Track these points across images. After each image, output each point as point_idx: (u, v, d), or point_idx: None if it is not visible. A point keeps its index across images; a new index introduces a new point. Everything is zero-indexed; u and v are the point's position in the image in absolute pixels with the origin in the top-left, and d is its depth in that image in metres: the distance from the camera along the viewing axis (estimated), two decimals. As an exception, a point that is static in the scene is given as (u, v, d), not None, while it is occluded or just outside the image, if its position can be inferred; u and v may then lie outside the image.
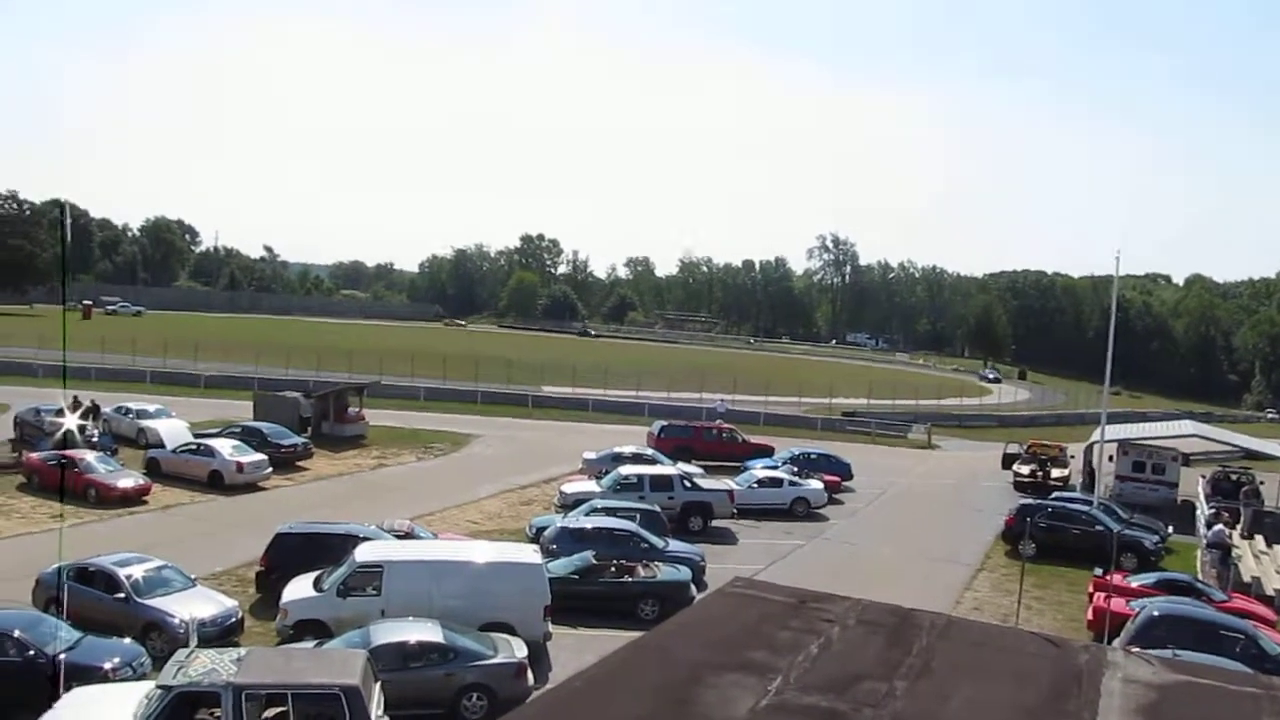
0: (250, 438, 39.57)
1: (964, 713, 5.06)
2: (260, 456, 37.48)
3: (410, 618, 19.49)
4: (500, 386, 68.81)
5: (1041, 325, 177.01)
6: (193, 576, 22.76)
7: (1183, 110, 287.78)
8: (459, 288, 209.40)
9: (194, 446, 37.78)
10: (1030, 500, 37.53)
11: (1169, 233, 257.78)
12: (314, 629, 20.42)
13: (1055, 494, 41.48)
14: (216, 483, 35.81)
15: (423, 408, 60.11)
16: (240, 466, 36.26)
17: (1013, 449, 51.76)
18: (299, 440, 42.07)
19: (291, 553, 24.01)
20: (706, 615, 6.62)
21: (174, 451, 37.75)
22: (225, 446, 37.27)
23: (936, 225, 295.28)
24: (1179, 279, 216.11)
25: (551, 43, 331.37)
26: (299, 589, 21.72)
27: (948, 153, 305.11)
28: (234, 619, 21.50)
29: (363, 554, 21.89)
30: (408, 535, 26.61)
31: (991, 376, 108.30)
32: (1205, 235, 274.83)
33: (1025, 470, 47.98)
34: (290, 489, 37.30)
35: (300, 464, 40.79)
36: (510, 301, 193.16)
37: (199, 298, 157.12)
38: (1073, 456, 50.76)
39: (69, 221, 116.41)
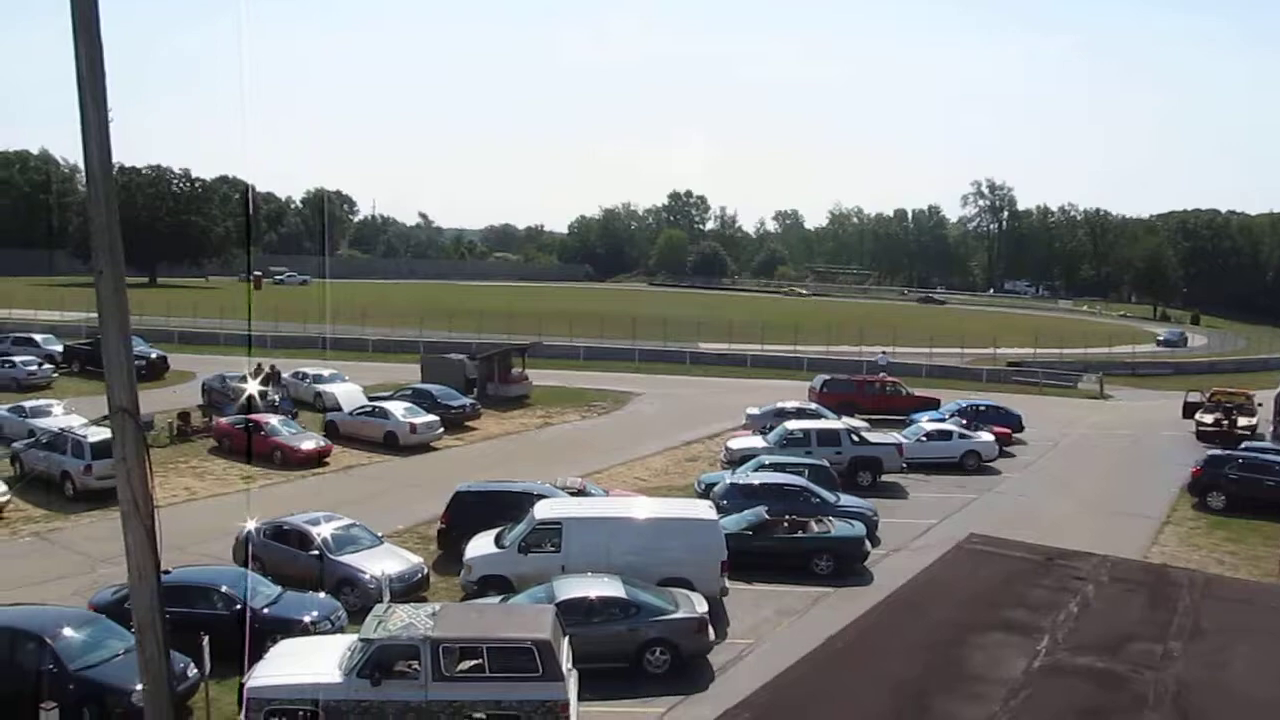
0: (421, 400, 40.74)
1: (1250, 675, 4.76)
2: (432, 418, 38.56)
3: (591, 573, 19.77)
4: (658, 344, 69.16)
5: (1215, 268, 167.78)
6: (379, 534, 23.58)
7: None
8: (608, 247, 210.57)
9: (369, 409, 39.12)
10: (1219, 450, 35.69)
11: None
12: (497, 584, 20.92)
13: (1245, 444, 39.38)
14: (391, 443, 37.02)
15: (583, 367, 60.88)
16: (414, 428, 37.36)
17: (1194, 397, 49.28)
18: (467, 401, 43.11)
19: (470, 510, 24.64)
20: (951, 573, 6.43)
21: (350, 414, 39.14)
22: (398, 409, 38.48)
23: (1100, 167, 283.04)
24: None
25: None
26: (481, 545, 22.26)
27: (1107, 91, 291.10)
28: (420, 575, 22.22)
29: (541, 511, 22.28)
30: (580, 492, 26.98)
31: (1163, 337, 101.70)
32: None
33: (1209, 419, 45.64)
34: (461, 449, 38.28)
35: (469, 424, 41.79)
36: (660, 259, 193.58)
37: (360, 266, 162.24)
38: (1260, 404, 48.10)
39: (252, 198, 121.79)
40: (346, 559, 21.83)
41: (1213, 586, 5.86)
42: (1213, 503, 32.57)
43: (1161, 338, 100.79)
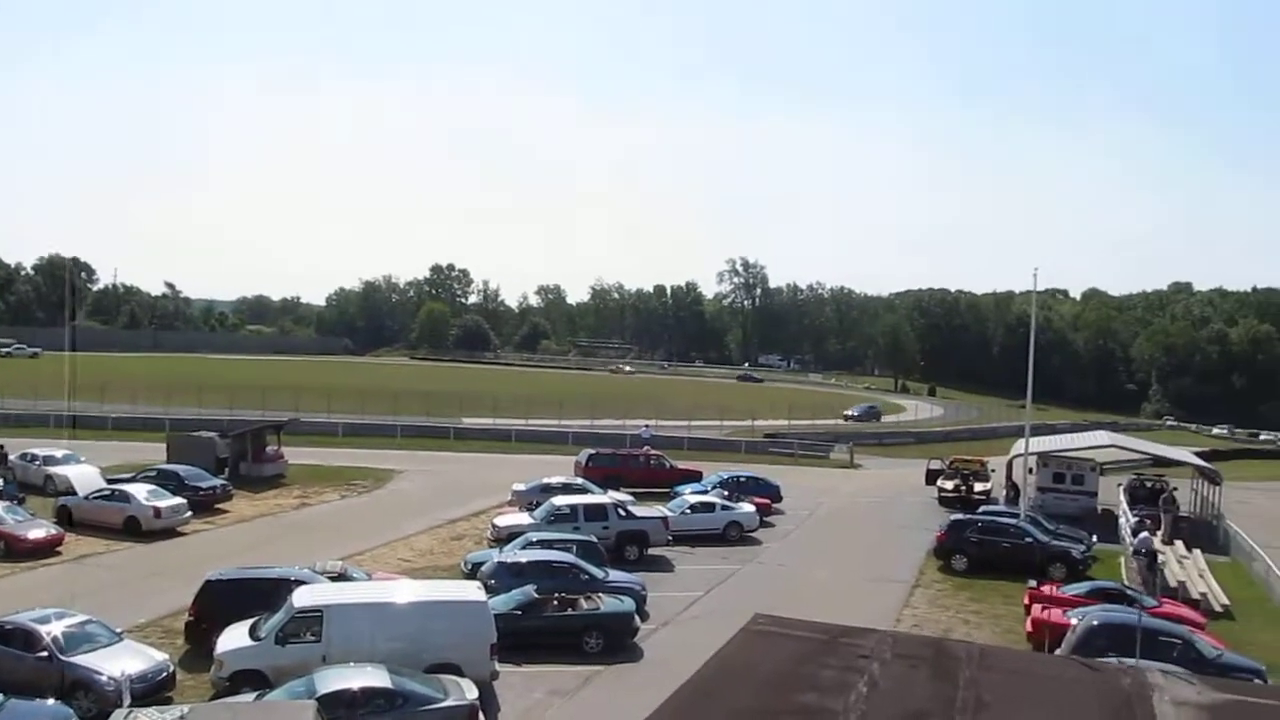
0: (166, 481, 38.25)
1: (1035, 750, 4.83)
2: (178, 500, 36.24)
3: (354, 663, 18.85)
4: (420, 419, 67.85)
5: (949, 343, 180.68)
6: (118, 630, 21.75)
7: (1059, 136, 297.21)
8: (368, 320, 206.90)
9: (107, 492, 36.38)
10: (961, 515, 37.95)
11: (1065, 249, 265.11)
12: (252, 679, 19.61)
13: (983, 508, 42.07)
14: (133, 529, 34.47)
15: (342, 444, 58.96)
16: (158, 511, 34.97)
17: (935, 465, 52.55)
18: (217, 482, 40.83)
19: (222, 600, 23.10)
20: (741, 656, 6.39)
21: (86, 498, 36.27)
22: (141, 491, 35.94)
23: (843, 247, 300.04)
24: (1075, 294, 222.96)
25: (454, 72, 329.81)
26: (234, 638, 20.87)
27: (849, 175, 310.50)
28: (165, 673, 20.54)
29: (301, 599, 21.12)
30: (341, 577, 25.80)
31: (853, 412, 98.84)
32: (1099, 250, 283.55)
33: (949, 485, 48.76)
34: (211, 533, 36.10)
35: (220, 506, 39.54)
36: (421, 333, 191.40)
37: (99, 337, 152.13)
38: (994, 471, 51.65)
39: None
40: (80, 659, 19.94)
41: (988, 658, 5.99)
42: (956, 565, 34.51)
43: (851, 412, 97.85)
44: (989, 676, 5.53)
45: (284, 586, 22.79)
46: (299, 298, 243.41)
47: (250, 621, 21.42)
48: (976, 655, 6.11)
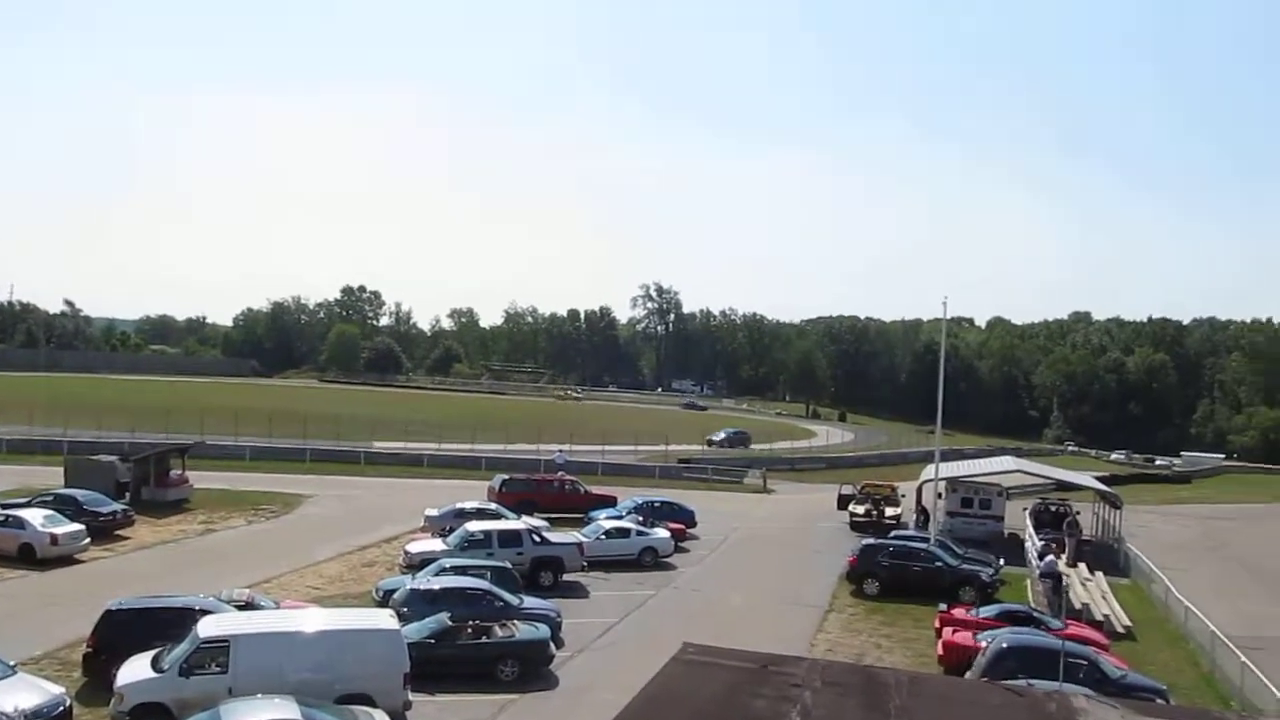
0: (64, 506, 36.94)
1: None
2: (76, 526, 35.01)
3: (262, 695, 18.33)
4: (330, 443, 66.67)
5: (858, 369, 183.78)
6: (11, 662, 20.87)
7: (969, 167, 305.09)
8: (276, 341, 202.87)
9: (1, 518, 35.01)
10: (873, 540, 38.41)
11: (971, 277, 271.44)
12: (155, 713, 19.04)
13: (894, 532, 42.64)
14: (28, 557, 33.22)
15: (250, 468, 57.64)
16: (54, 538, 33.76)
17: (847, 490, 53.23)
18: (118, 507, 39.60)
19: (123, 631, 22.29)
20: (673, 688, 6.32)
21: (-23, 525, 34.88)
22: (36, 517, 34.67)
23: (756, 274, 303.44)
24: (980, 322, 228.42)
25: (371, 90, 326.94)
26: (136, 670, 20.16)
27: (762, 203, 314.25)
28: (62, 708, 19.73)
29: (206, 629, 20.51)
30: (248, 605, 25.14)
31: (719, 436, 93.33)
32: (1003, 280, 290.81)
33: (860, 510, 49.42)
34: (111, 560, 34.93)
35: (121, 533, 38.35)
36: (331, 355, 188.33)
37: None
38: (904, 495, 52.45)
39: None
40: (-30, 694, 19.12)
41: (916, 685, 5.99)
42: (868, 589, 34.90)
43: (715, 437, 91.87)
44: (918, 704, 5.55)
45: (188, 616, 22.13)
46: (205, 318, 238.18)
47: (153, 653, 20.73)
48: (905, 682, 6.13)
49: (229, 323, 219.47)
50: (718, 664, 6.34)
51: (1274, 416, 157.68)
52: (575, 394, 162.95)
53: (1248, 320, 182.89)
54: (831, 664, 6.50)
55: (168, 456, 47.50)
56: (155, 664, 20.24)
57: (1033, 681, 19.43)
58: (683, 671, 6.18)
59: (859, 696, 5.66)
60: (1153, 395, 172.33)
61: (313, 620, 21.99)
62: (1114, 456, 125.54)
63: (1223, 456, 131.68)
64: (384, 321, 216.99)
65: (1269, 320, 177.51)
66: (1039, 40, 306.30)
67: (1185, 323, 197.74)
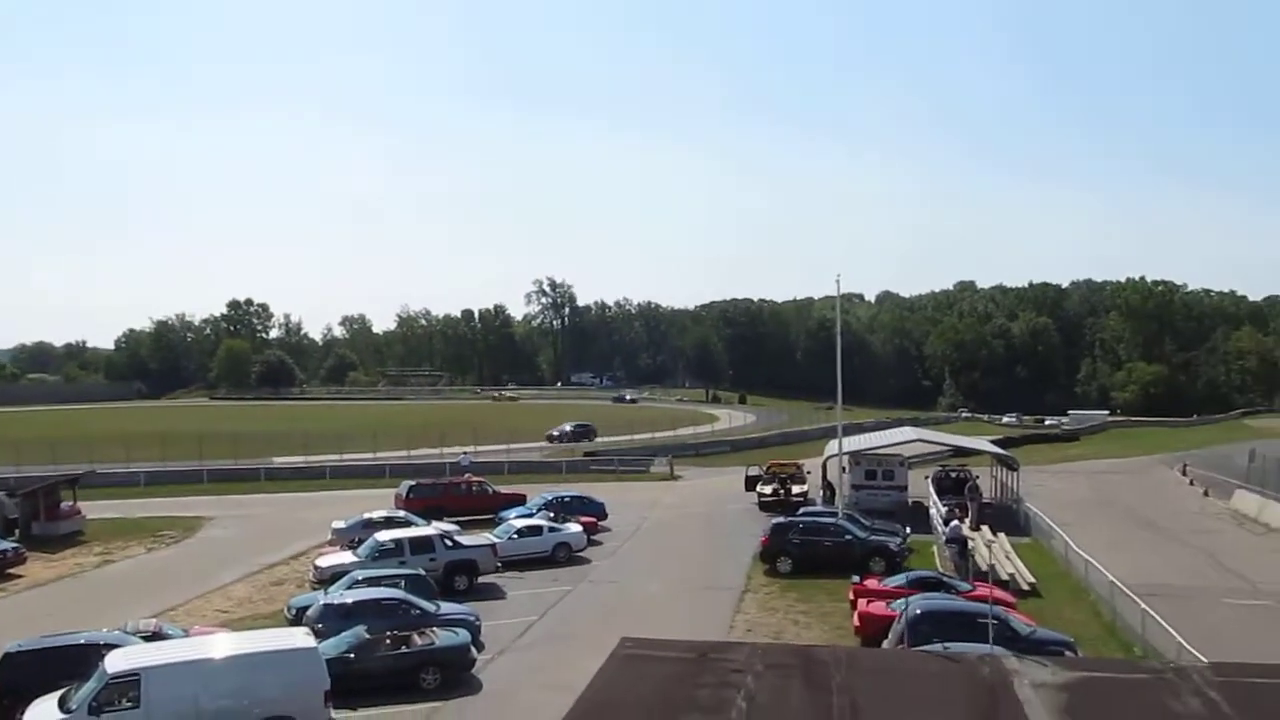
0: (-51, 548, 35.47)
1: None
2: (-36, 569, 33.63)
3: (178, 727, 17.85)
4: (227, 463, 65.02)
5: (755, 351, 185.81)
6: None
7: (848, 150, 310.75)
8: (162, 361, 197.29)
9: (-119, 566, 33.49)
10: (782, 519, 38.89)
11: (859, 254, 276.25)
12: (65, 756, 18.35)
13: (802, 510, 43.23)
14: (-86, 604, 31.81)
15: (145, 494, 55.89)
16: (-58, 583, 32.38)
17: (754, 471, 53.79)
18: (8, 545, 38.01)
19: (25, 673, 21.45)
20: (614, 686, 6.30)
21: None
22: (-80, 562, 33.23)
23: (647, 263, 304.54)
24: (870, 297, 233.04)
25: (241, 105, 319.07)
26: (42, 713, 19.40)
27: (650, 192, 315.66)
28: (-34, 758, 19.03)
29: (113, 664, 19.81)
30: (156, 635, 24.38)
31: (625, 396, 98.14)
32: (889, 254, 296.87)
33: (768, 490, 50.02)
34: (5, 601, 33.53)
35: (12, 571, 36.79)
36: (221, 372, 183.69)
37: None
38: (809, 472, 53.24)
39: None
40: None
41: (854, 660, 6.11)
42: (781, 567, 35.36)
43: (555, 432, 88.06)
44: (859, 680, 5.62)
45: (93, 652, 21.39)
46: (85, 342, 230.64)
47: (59, 693, 19.99)
48: (843, 659, 6.23)
49: (110, 346, 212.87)
50: (657, 656, 6.34)
51: (1152, 371, 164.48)
52: (509, 395, 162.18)
53: (1122, 280, 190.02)
54: (770, 647, 6.58)
55: (57, 488, 45.82)
56: (63, 705, 19.50)
57: (948, 644, 19.94)
58: (623, 667, 6.17)
59: (800, 677, 5.73)
60: (1038, 358, 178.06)
61: (225, 645, 21.40)
62: (1005, 420, 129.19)
63: (1107, 413, 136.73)
64: (274, 334, 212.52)
65: (1142, 279, 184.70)
66: (904, 21, 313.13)
67: (1064, 285, 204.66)
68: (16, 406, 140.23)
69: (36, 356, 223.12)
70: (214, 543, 43.38)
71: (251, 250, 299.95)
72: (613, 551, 40.25)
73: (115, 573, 37.92)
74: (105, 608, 30.05)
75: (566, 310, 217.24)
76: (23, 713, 19.72)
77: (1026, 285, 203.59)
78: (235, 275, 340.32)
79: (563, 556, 37.93)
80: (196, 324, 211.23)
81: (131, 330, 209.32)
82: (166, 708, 18.84)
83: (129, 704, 19.09)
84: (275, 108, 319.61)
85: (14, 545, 38.44)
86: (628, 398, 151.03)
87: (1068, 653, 22.61)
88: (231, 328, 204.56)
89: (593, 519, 43.38)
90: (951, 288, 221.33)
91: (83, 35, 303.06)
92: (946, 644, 20.05)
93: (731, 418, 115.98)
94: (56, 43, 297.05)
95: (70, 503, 45.65)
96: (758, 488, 51.10)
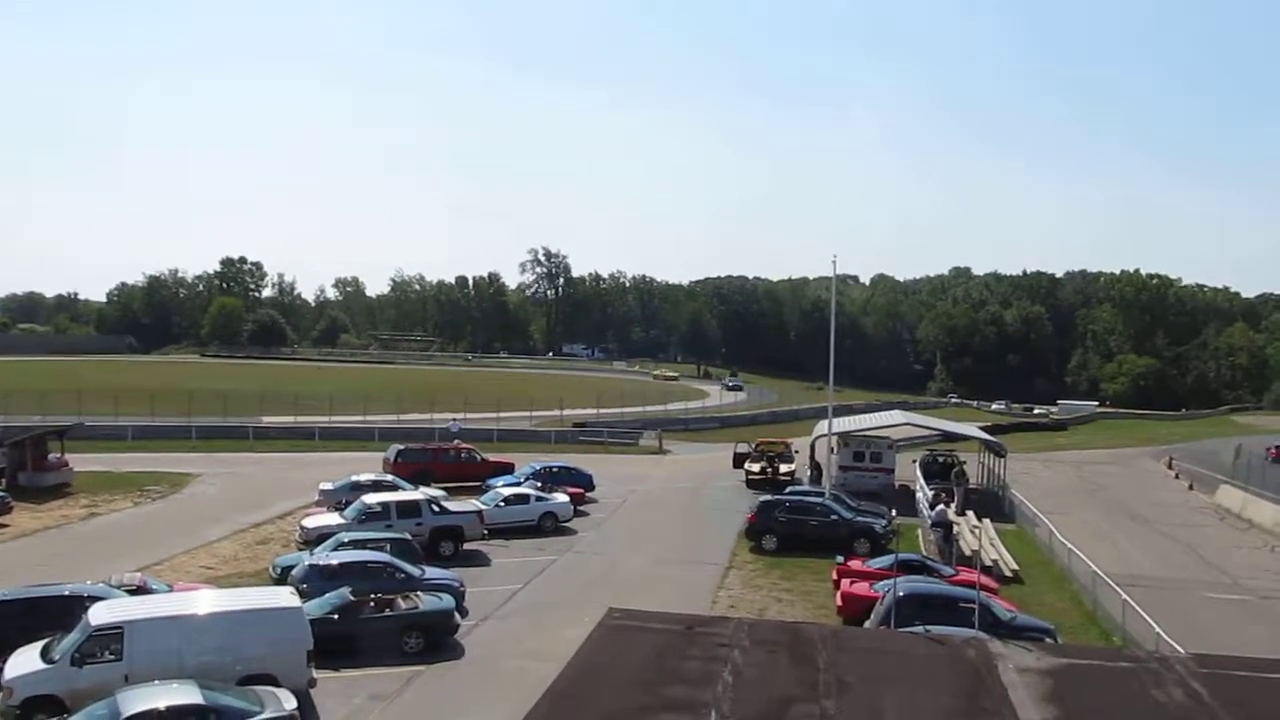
0: (-65, 496, 35.41)
1: (907, 725, 4.98)
2: (-50, 516, 33.57)
3: (160, 681, 17.84)
4: (217, 420, 64.90)
5: (748, 329, 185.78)
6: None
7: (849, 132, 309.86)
8: (154, 316, 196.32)
9: None
10: (770, 496, 39.01)
11: (854, 235, 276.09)
12: (46, 706, 18.37)
13: (790, 488, 43.35)
14: (-101, 550, 31.78)
15: (133, 448, 55.77)
16: (-73, 529, 32.35)
17: (742, 448, 53.87)
18: (-6, 494, 38.04)
19: (8, 623, 21.45)
20: (601, 655, 6.32)
21: None
22: (-94, 508, 33.17)
23: (644, 236, 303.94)
24: (864, 279, 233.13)
25: (239, 62, 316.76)
26: (24, 662, 19.43)
27: (649, 166, 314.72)
28: (-54, 704, 19.04)
29: (97, 616, 19.84)
30: (140, 590, 24.39)
31: (731, 384, 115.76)
32: (885, 237, 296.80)
33: (756, 468, 50.13)
34: (-11, 550, 33.59)
35: (-2, 521, 36.87)
36: (213, 329, 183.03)
37: None
38: (797, 451, 53.36)
39: None
40: None
41: (841, 639, 6.13)
42: (767, 545, 35.50)
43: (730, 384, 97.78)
44: (845, 657, 5.65)
45: (78, 604, 21.41)
46: (77, 294, 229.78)
47: (42, 643, 20.01)
48: (830, 637, 6.26)
49: (103, 299, 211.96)
50: (644, 628, 6.37)
51: (1142, 364, 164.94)
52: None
53: (1116, 272, 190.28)
54: (758, 623, 6.62)
55: (45, 439, 45.70)
56: (45, 655, 19.54)
57: (930, 627, 20.08)
58: (610, 637, 6.19)
59: (787, 653, 5.75)
60: (1030, 346, 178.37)
61: (209, 601, 21.42)
62: (995, 407, 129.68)
63: (1096, 404, 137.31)
64: (266, 293, 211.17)
65: (1136, 271, 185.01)
66: (906, 3, 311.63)
67: (1059, 275, 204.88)
68: (6, 356, 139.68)
69: (27, 306, 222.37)
70: (201, 499, 43.36)
71: (246, 208, 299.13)
72: (599, 523, 40.34)
73: (102, 525, 37.89)
74: (90, 560, 30.04)
75: (561, 281, 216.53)
76: (4, 661, 19.74)
77: (1021, 273, 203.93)
78: (229, 232, 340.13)
79: (549, 526, 38.02)
80: (189, 280, 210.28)
81: (124, 284, 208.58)
82: (149, 661, 18.84)
83: (111, 656, 19.12)
84: (276, 65, 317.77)
85: (1, 495, 38.39)
86: (729, 384, 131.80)
87: (1047, 639, 22.76)
88: (224, 285, 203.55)
89: (580, 490, 43.47)
90: (946, 273, 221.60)
91: None
92: (929, 627, 20.18)
93: (722, 395, 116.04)
94: None
95: (58, 454, 45.51)
96: (746, 465, 51.24)
